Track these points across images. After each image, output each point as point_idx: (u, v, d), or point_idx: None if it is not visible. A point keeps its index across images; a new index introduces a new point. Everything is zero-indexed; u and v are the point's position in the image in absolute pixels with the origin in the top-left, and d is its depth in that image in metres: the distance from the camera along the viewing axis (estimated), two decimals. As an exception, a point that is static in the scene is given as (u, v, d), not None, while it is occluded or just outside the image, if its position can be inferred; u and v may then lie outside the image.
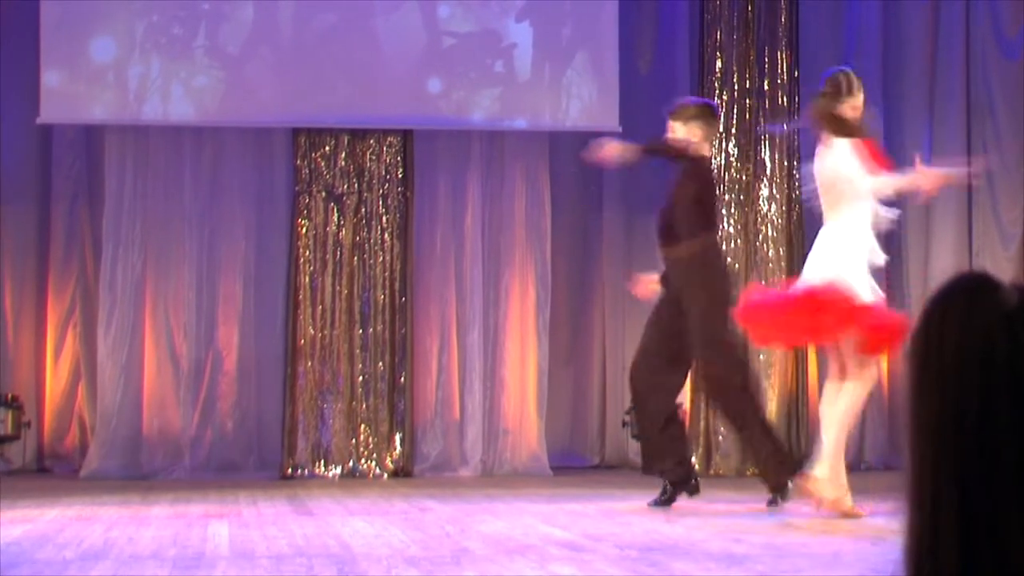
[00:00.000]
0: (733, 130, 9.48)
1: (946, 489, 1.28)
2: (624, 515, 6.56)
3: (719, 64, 9.48)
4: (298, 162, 9.54)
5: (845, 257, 6.30)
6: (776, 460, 6.90)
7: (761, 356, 9.38)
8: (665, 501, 6.92)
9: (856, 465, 9.59)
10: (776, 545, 5.31)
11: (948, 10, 9.94)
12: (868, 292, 6.29)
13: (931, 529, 1.29)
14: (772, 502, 6.81)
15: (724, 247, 9.46)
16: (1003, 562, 1.26)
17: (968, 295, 1.32)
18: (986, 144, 9.77)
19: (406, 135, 9.56)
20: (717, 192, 7.63)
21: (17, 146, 9.53)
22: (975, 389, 1.28)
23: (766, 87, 9.51)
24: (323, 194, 9.53)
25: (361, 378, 9.46)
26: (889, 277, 9.82)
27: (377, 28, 9.40)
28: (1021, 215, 9.89)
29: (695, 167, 7.02)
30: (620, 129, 9.57)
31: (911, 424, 1.32)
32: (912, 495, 1.31)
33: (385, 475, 9.33)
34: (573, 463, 9.90)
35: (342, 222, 9.54)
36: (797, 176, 9.54)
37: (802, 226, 9.46)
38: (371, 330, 9.48)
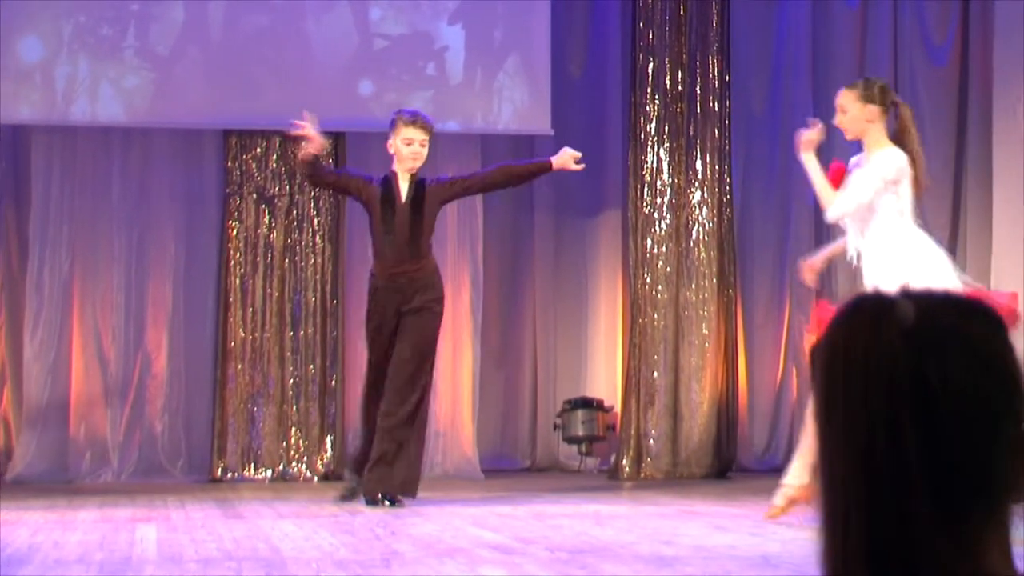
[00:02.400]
0: (665, 134, 9.51)
1: (855, 504, 1.29)
2: (555, 517, 6.56)
3: (651, 68, 9.51)
4: (229, 164, 9.47)
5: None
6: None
7: (692, 360, 9.42)
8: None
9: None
10: (705, 547, 5.34)
11: (876, 17, 10.03)
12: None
13: (841, 543, 1.30)
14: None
15: (656, 250, 9.51)
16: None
17: (870, 315, 1.33)
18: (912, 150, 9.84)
19: (337, 137, 9.50)
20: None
21: (-58, 146, 9.41)
22: (883, 408, 1.29)
23: (698, 91, 9.55)
24: (254, 196, 9.46)
25: (292, 381, 9.40)
26: (819, 285, 9.91)
27: (308, 30, 9.35)
28: (949, 222, 9.99)
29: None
30: (552, 132, 9.59)
31: (821, 444, 1.33)
32: (825, 510, 1.32)
33: (315, 478, 9.28)
34: (504, 466, 9.91)
35: (273, 224, 9.48)
36: (729, 181, 9.58)
37: (732, 230, 9.50)
38: (302, 333, 9.43)
